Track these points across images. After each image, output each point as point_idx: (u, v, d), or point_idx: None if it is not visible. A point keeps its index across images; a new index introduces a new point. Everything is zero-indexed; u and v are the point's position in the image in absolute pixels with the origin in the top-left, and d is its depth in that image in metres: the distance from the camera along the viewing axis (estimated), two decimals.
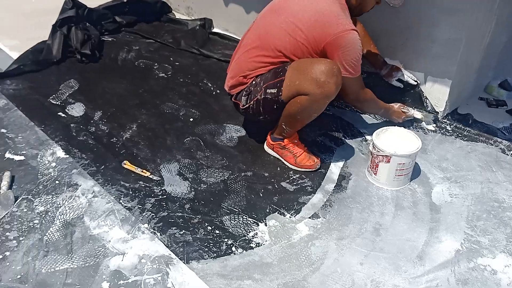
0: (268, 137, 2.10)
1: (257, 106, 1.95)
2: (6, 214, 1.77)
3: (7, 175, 1.94)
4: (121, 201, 1.84)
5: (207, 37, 3.15)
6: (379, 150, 1.87)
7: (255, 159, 2.11)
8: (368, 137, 2.26)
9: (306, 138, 2.19)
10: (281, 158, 2.08)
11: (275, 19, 1.88)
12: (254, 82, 1.95)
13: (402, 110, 2.26)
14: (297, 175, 2.01)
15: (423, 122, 2.34)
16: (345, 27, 1.79)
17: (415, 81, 2.38)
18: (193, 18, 3.48)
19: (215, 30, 3.31)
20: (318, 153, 2.13)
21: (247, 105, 1.98)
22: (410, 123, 2.33)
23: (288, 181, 1.98)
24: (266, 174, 2.02)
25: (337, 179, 2.00)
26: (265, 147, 2.15)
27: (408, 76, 2.38)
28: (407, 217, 1.80)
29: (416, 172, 2.01)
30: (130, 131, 2.27)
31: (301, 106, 1.84)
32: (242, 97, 2.00)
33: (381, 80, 2.43)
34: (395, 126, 2.06)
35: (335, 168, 2.06)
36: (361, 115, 2.42)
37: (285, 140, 2.04)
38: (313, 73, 1.75)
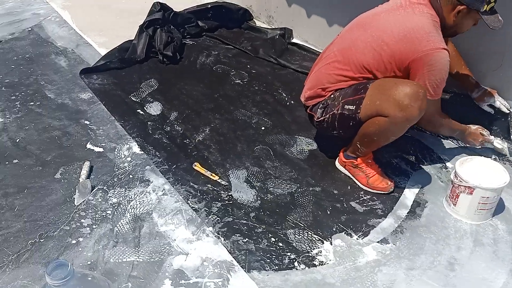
0: (341, 154, 2.08)
1: (332, 121, 1.93)
2: (83, 201, 1.91)
3: (86, 165, 2.10)
4: (189, 201, 1.91)
5: (285, 47, 3.20)
6: (461, 180, 1.77)
7: (325, 175, 2.09)
8: (448, 164, 2.15)
9: (380, 159, 2.13)
10: (352, 177, 2.05)
11: (361, 34, 1.86)
12: (332, 96, 1.94)
13: (481, 132, 2.11)
14: (368, 196, 1.96)
15: (508, 154, 2.17)
16: (435, 45, 1.73)
17: (508, 109, 2.23)
18: (273, 27, 3.55)
19: (294, 40, 3.35)
20: (392, 175, 2.07)
21: (322, 118, 1.98)
22: (492, 153, 2.17)
23: (358, 201, 1.94)
24: (336, 192, 1.99)
25: (411, 205, 1.92)
26: (337, 163, 2.12)
27: (501, 103, 2.23)
28: (486, 255, 1.68)
29: (500, 207, 1.88)
30: (203, 134, 2.36)
31: (379, 128, 1.80)
32: (318, 110, 2.00)
33: (469, 102, 2.31)
34: (481, 156, 1.94)
35: (409, 194, 1.98)
36: (442, 140, 2.31)
37: (359, 159, 2.00)
38: (396, 95, 1.70)
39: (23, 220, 1.82)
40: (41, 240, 1.73)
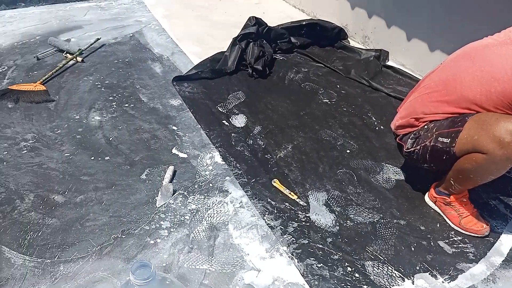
0: (432, 189, 1.99)
1: (424, 153, 1.87)
2: (164, 204, 2.03)
3: (170, 169, 2.23)
4: (265, 217, 1.94)
5: (379, 69, 3.15)
6: None
7: (412, 208, 2.01)
8: None
9: (476, 199, 2.01)
10: (443, 214, 1.95)
11: (468, 66, 1.77)
12: (426, 127, 1.88)
13: None
14: (459, 238, 1.85)
15: None
16: None
17: None
18: (368, 47, 3.52)
19: (389, 63, 3.29)
20: (488, 218, 1.94)
21: (412, 149, 1.92)
22: None
23: (447, 241, 1.83)
24: (422, 228, 1.91)
25: (507, 254, 1.78)
26: (426, 198, 2.03)
27: None
28: None
29: None
30: (285, 151, 2.39)
31: (476, 165, 1.69)
32: (409, 140, 1.94)
33: None
34: None
35: (506, 240, 1.84)
36: None
37: (452, 196, 1.90)
38: (498, 131, 1.60)
39: (108, 214, 1.97)
40: (123, 236, 1.86)
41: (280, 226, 1.90)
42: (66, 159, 2.31)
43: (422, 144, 1.86)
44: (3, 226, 1.90)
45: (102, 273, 1.70)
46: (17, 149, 2.37)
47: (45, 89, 2.90)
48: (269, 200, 2.05)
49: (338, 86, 3.02)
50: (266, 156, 2.35)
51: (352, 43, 3.64)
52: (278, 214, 1.96)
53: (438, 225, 1.92)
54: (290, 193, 2.08)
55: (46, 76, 3.02)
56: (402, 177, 2.21)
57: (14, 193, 2.08)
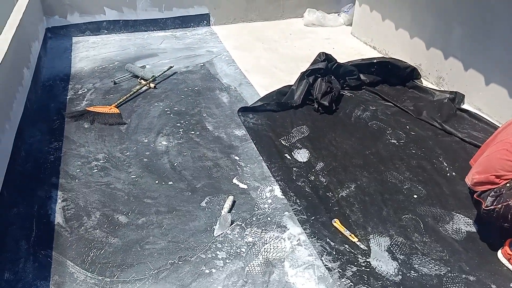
0: (507, 246, 1.87)
1: (505, 212, 1.77)
2: (222, 233, 2.06)
3: (230, 199, 2.27)
4: (323, 258, 1.91)
5: (454, 112, 3.05)
6: None
7: (483, 264, 1.89)
8: None
9: None
10: None
11: None
12: (508, 185, 1.79)
13: None
14: None
15: None
16: None
17: None
18: (442, 89, 3.43)
19: (465, 106, 3.17)
20: None
21: (492, 207, 1.82)
22: None
23: None
24: (493, 286, 1.78)
25: None
26: (499, 254, 1.91)
27: None
28: None
29: None
30: (348, 190, 2.36)
31: None
32: (488, 197, 1.85)
33: None
34: None
35: None
36: None
37: None
38: None
39: (167, 239, 2.04)
40: (179, 263, 1.91)
41: (338, 269, 1.85)
42: (132, 180, 2.43)
43: (505, 203, 1.78)
44: (69, 241, 2.02)
45: None
46: (89, 168, 2.53)
47: (119, 112, 3.10)
48: (328, 240, 2.02)
49: (407, 127, 2.95)
50: (328, 194, 2.33)
51: (425, 83, 3.56)
52: (336, 255, 1.92)
53: (511, 285, 1.79)
54: (350, 235, 2.04)
55: (121, 100, 3.23)
56: (474, 229, 2.09)
57: (83, 210, 2.21)
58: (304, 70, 3.35)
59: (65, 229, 2.09)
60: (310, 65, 3.39)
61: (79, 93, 3.40)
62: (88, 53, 4.17)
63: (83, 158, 2.62)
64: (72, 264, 1.90)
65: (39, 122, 2.99)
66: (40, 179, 2.43)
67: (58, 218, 2.15)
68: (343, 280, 1.80)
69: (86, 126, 2.96)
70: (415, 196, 2.32)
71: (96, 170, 2.51)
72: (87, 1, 4.51)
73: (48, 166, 2.54)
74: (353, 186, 2.39)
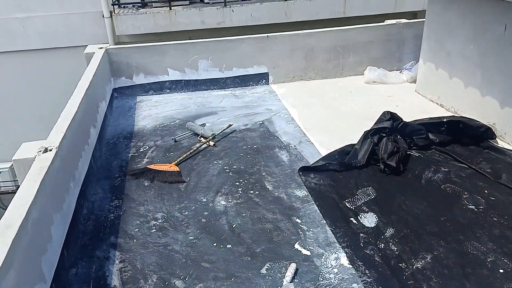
0: None
1: None
2: None
3: (292, 267, 2.12)
4: None
5: None
6: None
7: None
8: None
9: None
10: None
11: None
12: None
13: None
14: None
15: None
16: None
17: None
18: None
19: None
20: None
21: None
22: None
23: None
24: None
25: None
26: None
27: None
28: None
29: None
30: (423, 261, 2.14)
31: None
32: None
33: None
34: None
35: None
36: None
37: None
38: None
39: None
40: None
41: None
42: (190, 242, 2.36)
43: None
44: None
45: None
46: (147, 227, 2.50)
47: (179, 170, 3.10)
48: None
49: (486, 191, 2.71)
50: (401, 265, 2.13)
51: (501, 143, 3.31)
52: None
53: None
54: None
55: (181, 158, 3.25)
56: None
57: (140, 273, 2.15)
58: (367, 128, 3.24)
59: None
60: (374, 124, 3.27)
61: (140, 150, 3.47)
62: (151, 112, 4.31)
63: (142, 217, 2.60)
64: None
65: (102, 179, 3.05)
66: (100, 238, 2.42)
67: (115, 281, 2.10)
68: None
69: (146, 184, 2.97)
70: (501, 270, 2.06)
71: (154, 230, 2.47)
72: (152, 63, 4.74)
73: (108, 225, 2.53)
74: (429, 257, 2.17)
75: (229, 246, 2.33)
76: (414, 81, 4.70)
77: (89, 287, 2.06)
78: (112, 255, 2.28)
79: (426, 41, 4.36)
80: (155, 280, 2.10)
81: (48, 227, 2.01)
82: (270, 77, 5.02)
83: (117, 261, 2.23)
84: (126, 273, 2.14)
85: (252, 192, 2.84)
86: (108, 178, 3.06)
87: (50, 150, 2.29)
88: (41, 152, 2.27)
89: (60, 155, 2.33)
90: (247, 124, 3.92)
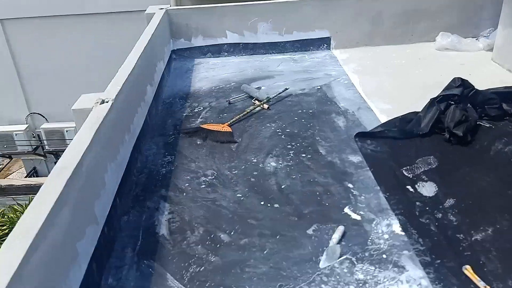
0: None
1: None
2: (328, 266, 1.92)
3: (340, 229, 2.12)
4: None
5: None
6: None
7: None
8: None
9: None
10: None
11: None
12: None
13: None
14: None
15: None
16: None
17: None
18: None
19: None
20: None
21: None
22: None
23: None
24: None
25: None
26: None
27: None
28: None
29: None
30: (483, 233, 2.05)
31: None
32: None
33: None
34: None
35: None
36: None
37: None
38: None
39: (269, 264, 1.95)
40: None
41: None
42: (238, 199, 2.42)
43: None
44: (171, 254, 2.05)
45: None
46: (197, 183, 2.59)
47: (231, 131, 3.16)
48: None
49: None
50: (458, 236, 2.05)
51: None
52: None
53: None
54: (485, 287, 1.75)
55: (234, 119, 3.30)
56: None
57: (187, 224, 2.24)
58: (435, 96, 3.09)
59: (168, 242, 2.13)
60: (442, 90, 3.12)
61: (195, 111, 3.56)
62: (208, 74, 4.39)
63: (193, 173, 2.69)
64: (172, 278, 1.90)
65: (156, 136, 3.17)
66: (151, 190, 2.54)
67: (163, 230, 2.21)
68: None
69: (198, 142, 3.06)
70: None
71: (203, 186, 2.55)
72: (212, 25, 4.79)
73: (160, 179, 2.65)
74: (490, 230, 2.08)
75: (276, 205, 2.36)
76: (491, 49, 4.40)
77: (139, 234, 2.18)
78: (162, 206, 2.39)
79: (507, 5, 4.05)
80: (201, 232, 2.18)
81: (102, 174, 2.14)
82: (332, 42, 4.90)
83: (166, 212, 2.33)
84: (174, 224, 2.24)
85: (304, 155, 2.83)
86: (162, 135, 3.17)
87: (107, 102, 2.41)
88: (98, 103, 2.39)
89: (116, 107, 2.44)
90: (304, 89, 3.89)
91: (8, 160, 10.43)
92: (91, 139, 2.00)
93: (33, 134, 9.17)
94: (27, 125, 9.07)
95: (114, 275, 1.94)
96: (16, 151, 9.04)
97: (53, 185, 1.61)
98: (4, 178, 9.90)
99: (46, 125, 8.81)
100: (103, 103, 2.40)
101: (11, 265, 1.20)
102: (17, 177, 9.69)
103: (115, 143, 2.42)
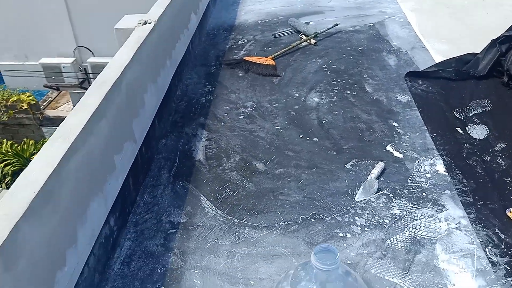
0: None
1: None
2: (364, 200, 1.91)
3: (380, 165, 2.09)
4: (487, 249, 1.63)
5: None
6: None
7: None
8: None
9: None
10: None
11: None
12: None
13: None
14: None
15: None
16: None
17: None
18: None
19: None
20: None
21: None
22: None
23: None
24: None
25: None
26: None
27: None
28: None
29: None
30: None
31: None
32: None
33: None
34: None
35: None
36: None
37: None
38: None
39: (303, 194, 1.97)
40: (312, 220, 1.83)
41: (506, 266, 1.56)
42: (276, 131, 2.42)
43: None
44: (206, 177, 2.10)
45: (283, 249, 1.70)
46: (236, 114, 2.60)
47: (274, 64, 3.11)
48: (497, 231, 1.71)
49: None
50: (506, 179, 1.98)
51: None
52: (506, 250, 1.62)
53: None
54: None
55: (278, 53, 3.25)
56: None
57: (223, 152, 2.28)
58: (497, 37, 2.90)
59: (204, 166, 2.18)
60: (506, 31, 2.91)
61: (239, 43, 3.52)
62: (254, 7, 4.30)
63: (232, 104, 2.70)
64: (205, 200, 1.96)
65: (198, 66, 3.18)
66: (190, 117, 2.58)
67: (200, 155, 2.26)
68: (509, 279, 1.51)
69: (240, 74, 3.04)
70: None
71: (242, 117, 2.57)
72: None
73: (199, 107, 2.68)
74: None
75: (315, 139, 2.34)
76: None
77: (176, 157, 2.24)
78: (199, 133, 2.43)
79: None
80: (237, 160, 2.21)
81: (142, 94, 2.18)
82: None
83: (203, 139, 2.38)
84: (210, 150, 2.29)
85: (349, 92, 2.77)
86: (204, 66, 3.18)
87: (149, 23, 2.41)
88: (141, 24, 2.40)
89: (158, 29, 2.45)
90: (355, 26, 3.74)
91: (56, 92, 10.84)
92: (131, 57, 2.03)
93: (80, 68, 9.43)
94: (74, 58, 9.33)
95: (150, 193, 2.02)
96: (64, 83, 9.36)
97: (92, 97, 1.66)
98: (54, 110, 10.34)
99: (92, 59, 9.02)
100: (146, 24, 2.41)
101: (53, 160, 1.27)
102: (65, 109, 10.08)
103: (155, 66, 2.45)
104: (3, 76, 10.35)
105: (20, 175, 1.23)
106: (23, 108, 9.19)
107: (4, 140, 8.55)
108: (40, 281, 1.19)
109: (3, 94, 9.32)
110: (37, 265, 1.18)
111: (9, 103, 9.20)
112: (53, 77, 9.12)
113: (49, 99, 10.25)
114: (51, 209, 1.25)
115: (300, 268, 1.17)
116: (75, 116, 1.52)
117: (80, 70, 9.48)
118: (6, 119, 9.12)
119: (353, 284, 1.18)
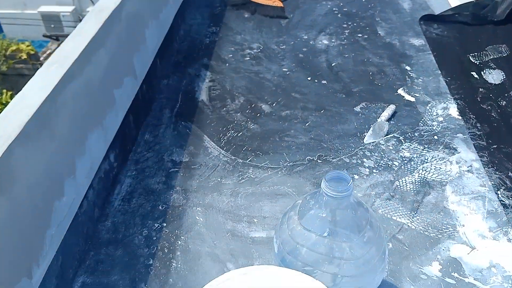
0: None
1: None
2: (373, 142, 1.87)
3: (391, 108, 2.04)
4: (499, 192, 1.60)
5: None
6: None
7: None
8: None
9: None
10: None
11: None
12: None
13: None
14: None
15: None
16: None
17: None
18: None
19: None
20: None
21: None
22: None
23: None
24: None
25: None
26: None
27: None
28: None
29: None
30: None
31: None
32: None
33: None
34: None
35: None
36: None
37: None
38: None
39: (309, 136, 1.93)
40: (319, 161, 1.79)
41: None
42: (283, 73, 2.35)
43: None
44: (210, 118, 2.06)
45: (288, 188, 1.67)
46: (241, 55, 2.53)
47: (282, 6, 3.01)
48: (510, 174, 1.67)
49: None
50: None
51: None
52: None
53: None
54: None
55: None
56: None
57: (228, 93, 2.23)
58: None
59: (207, 107, 2.13)
60: None
61: None
62: None
63: (237, 45, 2.62)
64: (208, 140, 1.93)
65: (202, 7, 3.08)
66: (193, 58, 2.51)
67: (203, 96, 2.21)
68: None
69: (246, 15, 2.95)
70: None
71: (248, 58, 2.49)
72: None
73: (203, 48, 2.61)
74: None
75: (324, 82, 2.28)
76: None
77: (178, 97, 2.19)
78: (203, 74, 2.37)
79: None
80: (242, 101, 2.16)
81: (143, 29, 2.10)
82: None
83: (207, 80, 2.32)
84: (214, 91, 2.23)
85: (360, 35, 2.68)
86: (209, 7, 3.08)
87: None
88: None
89: None
90: None
91: (56, 44, 10.70)
92: None
93: (79, 17, 9.27)
94: (74, 7, 9.15)
95: (151, 132, 1.98)
96: (63, 33, 9.22)
97: (90, 23, 1.59)
98: None
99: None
100: None
101: (48, 85, 1.22)
102: None
103: (157, 0, 2.36)
104: (1, 25, 10.20)
105: (13, 99, 1.19)
106: (22, 58, 9.09)
107: (4, 90, 8.51)
108: (37, 207, 1.16)
109: (2, 43, 9.20)
110: (34, 191, 1.15)
111: (8, 53, 9.09)
112: (52, 26, 8.97)
113: (49, 51, 10.13)
114: (47, 135, 1.21)
115: (309, 198, 1.14)
116: (72, 42, 1.46)
117: (80, 20, 9.30)
118: (6, 69, 9.04)
119: (364, 214, 1.14)
